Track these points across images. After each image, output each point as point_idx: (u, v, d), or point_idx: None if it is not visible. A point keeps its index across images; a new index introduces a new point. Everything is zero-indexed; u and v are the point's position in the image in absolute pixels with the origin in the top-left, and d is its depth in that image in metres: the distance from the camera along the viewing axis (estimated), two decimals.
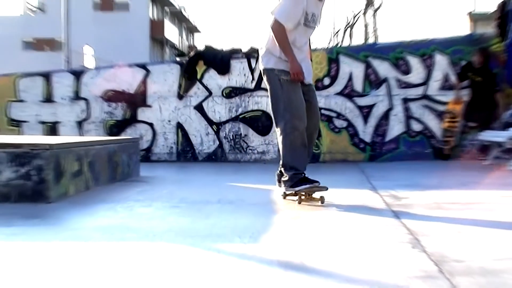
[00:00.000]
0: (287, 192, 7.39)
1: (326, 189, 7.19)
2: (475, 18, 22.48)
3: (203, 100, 15.11)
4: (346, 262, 4.58)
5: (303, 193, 7.24)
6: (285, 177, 7.26)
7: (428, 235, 5.37)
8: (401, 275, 4.07)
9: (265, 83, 7.46)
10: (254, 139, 14.99)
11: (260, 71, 7.58)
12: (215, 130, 15.11)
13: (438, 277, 4.00)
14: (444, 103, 14.59)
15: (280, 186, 7.46)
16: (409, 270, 4.21)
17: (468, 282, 3.86)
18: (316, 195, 7.24)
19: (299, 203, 7.17)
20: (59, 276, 4.16)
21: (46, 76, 15.62)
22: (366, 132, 14.79)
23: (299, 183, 7.16)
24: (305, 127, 7.21)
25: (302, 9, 6.89)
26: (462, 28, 45.60)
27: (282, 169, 7.31)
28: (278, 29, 6.94)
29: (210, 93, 15.08)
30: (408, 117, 14.81)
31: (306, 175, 7.26)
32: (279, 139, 7.33)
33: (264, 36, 7.21)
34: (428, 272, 4.14)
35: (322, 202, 7.10)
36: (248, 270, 4.34)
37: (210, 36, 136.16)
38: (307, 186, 7.12)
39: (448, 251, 4.76)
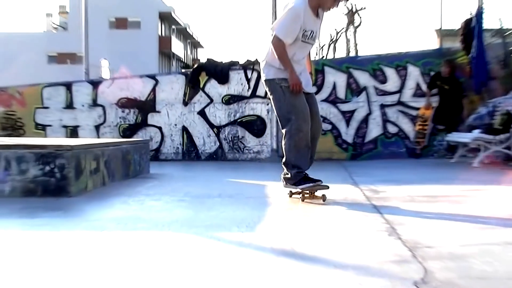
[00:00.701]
0: (293, 191, 7.05)
1: (328, 187, 6.87)
2: (442, 34, 22.41)
3: (205, 106, 15.10)
4: (331, 248, 4.57)
5: (307, 192, 6.92)
6: (287, 175, 6.93)
7: (403, 224, 5.36)
8: (379, 259, 4.06)
9: (268, 93, 7.19)
10: (250, 141, 14.98)
11: (263, 82, 7.26)
12: (216, 132, 15.10)
13: (411, 261, 3.99)
14: (416, 109, 14.60)
15: (285, 186, 7.05)
16: (386, 255, 4.20)
17: (438, 265, 3.85)
18: (319, 193, 6.91)
19: (303, 200, 6.84)
20: (79, 261, 4.15)
21: (68, 86, 15.60)
22: (348, 134, 14.79)
23: (302, 181, 6.85)
24: (309, 128, 6.87)
25: (300, 26, 6.65)
26: (431, 42, 45.64)
27: (284, 168, 6.98)
28: (278, 44, 6.72)
29: (212, 100, 15.08)
30: (385, 120, 14.81)
31: (308, 175, 6.95)
32: (284, 140, 6.95)
33: (264, 50, 7.02)
34: (403, 257, 4.12)
35: (324, 200, 6.75)
36: (245, 256, 4.33)
37: (212, 50, 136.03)
38: (311, 184, 6.82)
39: (420, 238, 4.74)
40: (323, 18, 7.03)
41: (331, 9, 6.85)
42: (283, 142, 6.97)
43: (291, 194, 7.11)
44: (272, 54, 6.90)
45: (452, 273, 3.68)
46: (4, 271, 3.90)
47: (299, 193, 7.00)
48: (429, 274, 3.63)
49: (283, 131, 6.94)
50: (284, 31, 6.69)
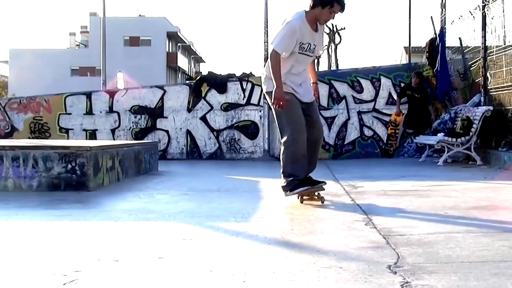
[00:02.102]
0: (305, 197, 6.27)
1: (323, 189, 6.29)
2: (411, 50, 22.51)
3: (207, 113, 15.08)
4: (315, 236, 4.55)
5: (306, 195, 6.25)
6: (284, 183, 6.24)
7: (377, 215, 5.33)
8: (357, 245, 4.03)
9: (269, 104, 6.66)
10: (245, 142, 14.95)
11: (264, 94, 6.73)
12: (216, 135, 15.08)
13: (385, 248, 3.96)
14: (388, 115, 14.60)
15: (286, 194, 6.27)
16: (363, 242, 4.17)
17: (408, 251, 3.82)
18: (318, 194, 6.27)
19: (301, 202, 6.19)
20: (97, 246, 4.11)
21: (88, 95, 15.55)
22: (330, 136, 14.77)
23: (297, 186, 6.14)
24: (306, 138, 6.20)
25: (296, 40, 6.07)
26: (400, 58, 45.67)
27: (282, 176, 6.26)
28: (274, 57, 6.11)
29: (212, 107, 15.06)
30: (362, 125, 14.80)
31: (311, 177, 6.32)
32: (282, 149, 6.26)
33: (266, 65, 6.41)
34: (378, 244, 4.09)
35: (322, 202, 6.15)
36: (240, 243, 4.31)
37: (212, 64, 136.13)
38: (304, 188, 6.15)
39: (393, 227, 4.72)
40: (322, 31, 6.52)
41: (327, 21, 6.32)
42: (281, 151, 6.30)
43: (302, 200, 6.26)
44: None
45: (421, 257, 3.65)
46: (35, 253, 3.87)
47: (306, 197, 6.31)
48: (401, 259, 3.60)
49: (282, 141, 6.28)
50: (280, 45, 6.13)
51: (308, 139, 6.24)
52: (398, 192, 7.20)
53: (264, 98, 6.70)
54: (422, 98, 13.95)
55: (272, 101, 6.16)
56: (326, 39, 40.96)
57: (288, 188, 6.20)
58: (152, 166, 10.55)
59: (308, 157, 6.27)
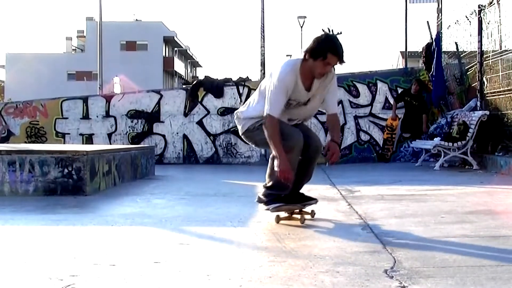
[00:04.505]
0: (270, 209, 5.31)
1: (303, 206, 5.36)
2: (407, 55, 22.52)
3: (203, 117, 15.10)
4: (311, 240, 4.54)
5: (297, 210, 5.37)
6: (262, 194, 5.35)
7: (374, 220, 5.34)
8: (354, 250, 4.03)
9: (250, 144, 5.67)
10: (242, 147, 14.96)
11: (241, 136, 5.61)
12: (212, 140, 15.09)
13: (382, 252, 3.96)
14: (385, 119, 14.63)
15: (266, 208, 5.36)
16: (360, 246, 4.17)
17: (405, 255, 3.82)
18: (308, 209, 5.40)
19: (277, 222, 5.24)
20: (93, 250, 4.10)
21: (84, 100, 15.58)
22: (326, 141, 14.74)
23: (273, 201, 5.25)
24: (301, 148, 5.19)
25: (287, 93, 5.00)
26: (397, 63, 45.76)
27: (264, 188, 5.35)
28: (270, 123, 4.98)
29: (208, 112, 15.08)
30: (358, 130, 14.83)
31: (302, 194, 5.45)
32: (271, 158, 5.28)
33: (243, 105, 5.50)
34: (374, 248, 4.09)
35: (302, 222, 5.19)
36: (237, 247, 4.30)
37: (209, 69, 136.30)
38: (278, 205, 5.23)
39: (390, 232, 4.72)
40: (321, 87, 5.19)
41: (323, 75, 5.05)
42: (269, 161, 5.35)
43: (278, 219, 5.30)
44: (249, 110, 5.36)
45: (418, 262, 3.65)
46: (32, 258, 3.86)
47: (298, 212, 5.40)
48: (398, 263, 3.60)
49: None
50: (275, 107, 4.98)
51: (308, 149, 5.32)
52: (395, 196, 7.20)
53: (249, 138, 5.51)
54: (420, 106, 13.98)
55: (278, 174, 5.02)
56: None
57: (264, 201, 5.32)
58: (148, 171, 10.55)
59: (305, 168, 5.39)
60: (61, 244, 4.44)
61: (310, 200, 5.45)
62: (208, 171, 12.44)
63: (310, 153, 5.38)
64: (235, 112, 5.61)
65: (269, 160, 5.33)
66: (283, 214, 5.33)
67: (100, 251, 4.14)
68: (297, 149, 5.15)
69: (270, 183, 5.27)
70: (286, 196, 5.27)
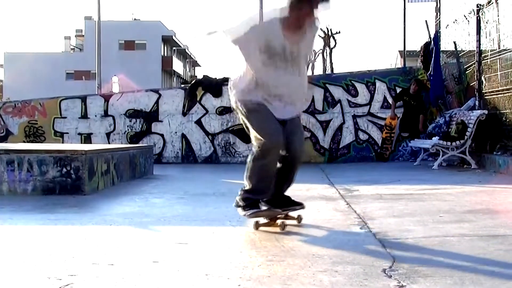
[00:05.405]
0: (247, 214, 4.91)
1: (284, 212, 5.00)
2: (406, 54, 22.55)
3: (202, 117, 15.09)
4: (310, 239, 4.54)
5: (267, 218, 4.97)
6: (240, 197, 5.00)
7: (373, 219, 5.33)
8: (352, 249, 4.03)
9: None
10: (240, 146, 14.96)
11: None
12: (211, 139, 15.09)
13: (381, 251, 3.96)
14: (384, 119, 14.63)
15: (242, 213, 4.97)
16: (358, 245, 4.17)
17: (403, 255, 3.83)
18: (294, 214, 5.11)
19: (256, 228, 4.88)
20: (92, 250, 4.10)
21: (83, 99, 15.56)
22: (325, 140, 14.79)
23: (251, 207, 4.88)
24: (279, 151, 4.82)
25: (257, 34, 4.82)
26: (395, 62, 45.78)
27: (242, 192, 5.02)
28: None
29: (207, 111, 15.07)
30: (357, 129, 14.83)
31: (289, 197, 5.07)
32: (248, 159, 5.02)
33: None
34: (373, 247, 4.10)
35: (282, 229, 4.78)
36: (235, 246, 4.30)
37: (207, 68, 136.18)
38: (255, 210, 4.85)
39: (388, 231, 4.72)
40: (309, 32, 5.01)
41: (302, 22, 4.81)
42: (247, 165, 5.03)
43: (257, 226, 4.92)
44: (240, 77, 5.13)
45: (416, 261, 3.65)
46: (30, 257, 3.86)
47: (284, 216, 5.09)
48: (396, 263, 3.60)
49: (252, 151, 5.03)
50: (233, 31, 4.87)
51: (287, 155, 4.90)
52: (393, 196, 7.20)
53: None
54: (418, 105, 13.96)
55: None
56: (321, 43, 40.99)
57: (242, 205, 4.94)
58: (147, 170, 10.54)
59: (285, 174, 5.00)
60: (60, 244, 4.43)
61: (295, 205, 5.06)
62: (207, 171, 12.44)
63: (288, 159, 4.93)
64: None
65: (248, 161, 4.98)
66: (262, 220, 4.95)
67: (98, 251, 4.14)
68: (274, 151, 4.79)
69: (249, 187, 4.95)
70: (268, 201, 4.92)
